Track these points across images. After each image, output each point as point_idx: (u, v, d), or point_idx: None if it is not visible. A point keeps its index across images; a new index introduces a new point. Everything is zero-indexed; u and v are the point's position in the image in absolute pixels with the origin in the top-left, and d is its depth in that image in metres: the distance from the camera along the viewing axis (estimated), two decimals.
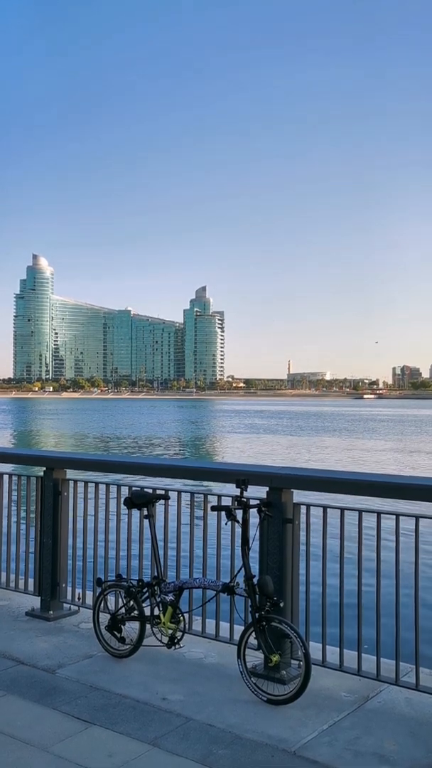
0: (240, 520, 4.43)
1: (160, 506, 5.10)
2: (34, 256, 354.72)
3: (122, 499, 5.26)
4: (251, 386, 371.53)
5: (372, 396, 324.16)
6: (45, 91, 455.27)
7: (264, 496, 4.66)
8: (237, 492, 4.46)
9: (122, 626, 4.87)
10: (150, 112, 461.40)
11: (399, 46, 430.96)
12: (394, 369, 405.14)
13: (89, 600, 5.59)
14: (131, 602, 4.83)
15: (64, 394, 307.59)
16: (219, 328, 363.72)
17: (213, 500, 4.86)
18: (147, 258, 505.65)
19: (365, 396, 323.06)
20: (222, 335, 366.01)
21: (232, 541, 4.76)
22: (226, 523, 4.61)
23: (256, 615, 4.27)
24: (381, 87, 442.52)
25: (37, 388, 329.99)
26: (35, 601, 5.90)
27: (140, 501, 4.98)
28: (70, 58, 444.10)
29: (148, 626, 4.80)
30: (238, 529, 4.49)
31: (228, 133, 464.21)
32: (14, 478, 6.30)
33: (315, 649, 4.48)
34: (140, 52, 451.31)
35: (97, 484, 5.70)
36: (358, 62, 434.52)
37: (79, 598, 5.74)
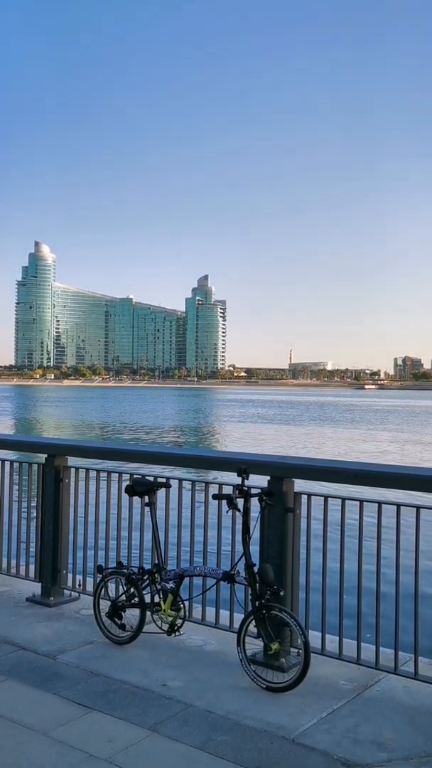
0: (241, 509, 4.44)
1: (161, 494, 5.10)
2: (36, 243, 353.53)
3: (123, 487, 5.27)
4: (252, 375, 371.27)
5: (373, 386, 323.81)
6: (46, 78, 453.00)
7: (265, 485, 4.66)
8: (238, 481, 4.47)
9: (123, 613, 4.89)
10: (151, 98, 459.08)
11: (398, 36, 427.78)
12: (395, 360, 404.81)
13: (90, 587, 5.61)
14: (132, 589, 4.85)
15: (66, 382, 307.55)
16: (221, 317, 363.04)
17: (214, 489, 4.86)
18: (149, 246, 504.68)
19: (366, 386, 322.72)
20: (224, 324, 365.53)
21: (233, 529, 4.77)
22: (227, 512, 4.62)
23: (256, 603, 4.28)
24: (382, 67, 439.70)
25: (38, 376, 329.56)
26: (36, 587, 5.93)
27: (141, 489, 4.99)
28: (71, 46, 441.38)
29: (148, 613, 4.82)
30: (239, 518, 4.49)
31: (229, 122, 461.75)
32: (15, 465, 6.31)
33: (314, 637, 4.49)
34: (142, 38, 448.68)
35: (98, 471, 5.71)
36: (359, 47, 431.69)
37: (79, 585, 5.76)
